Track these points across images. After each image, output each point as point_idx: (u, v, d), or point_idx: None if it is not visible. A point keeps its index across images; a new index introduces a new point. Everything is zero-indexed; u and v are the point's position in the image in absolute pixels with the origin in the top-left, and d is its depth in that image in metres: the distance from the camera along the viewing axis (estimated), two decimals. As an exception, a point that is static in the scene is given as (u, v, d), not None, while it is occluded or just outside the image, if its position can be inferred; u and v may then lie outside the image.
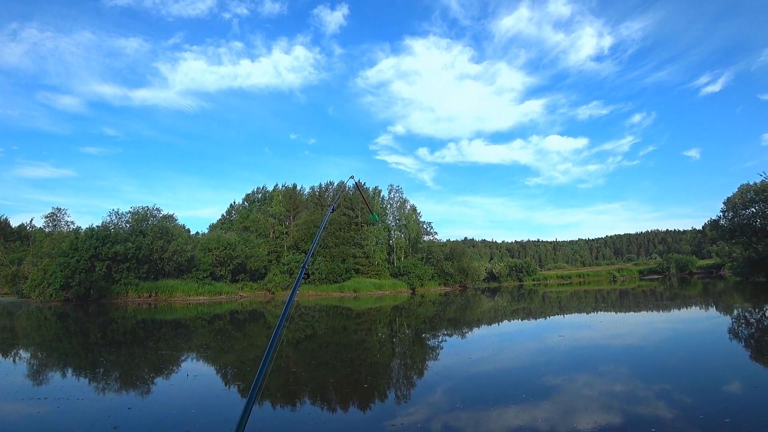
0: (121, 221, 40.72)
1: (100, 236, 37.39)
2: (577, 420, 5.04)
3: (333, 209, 3.60)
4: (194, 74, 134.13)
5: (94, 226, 39.59)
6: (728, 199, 45.08)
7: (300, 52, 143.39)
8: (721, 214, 46.28)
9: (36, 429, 5.35)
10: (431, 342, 12.72)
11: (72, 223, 48.70)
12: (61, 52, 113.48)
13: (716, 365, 8.00)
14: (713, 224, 47.81)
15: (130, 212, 41.23)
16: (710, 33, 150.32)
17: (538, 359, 9.17)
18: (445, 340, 12.82)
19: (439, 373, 8.16)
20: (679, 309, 20.32)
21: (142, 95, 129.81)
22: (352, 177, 4.24)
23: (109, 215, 40.95)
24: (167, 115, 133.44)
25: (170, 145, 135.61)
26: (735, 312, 17.19)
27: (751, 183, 42.92)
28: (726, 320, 15.16)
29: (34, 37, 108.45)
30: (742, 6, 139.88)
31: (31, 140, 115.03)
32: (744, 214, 43.43)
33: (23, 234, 55.76)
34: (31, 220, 64.92)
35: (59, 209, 48.81)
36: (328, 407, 6.22)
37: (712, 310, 19.09)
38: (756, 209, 42.32)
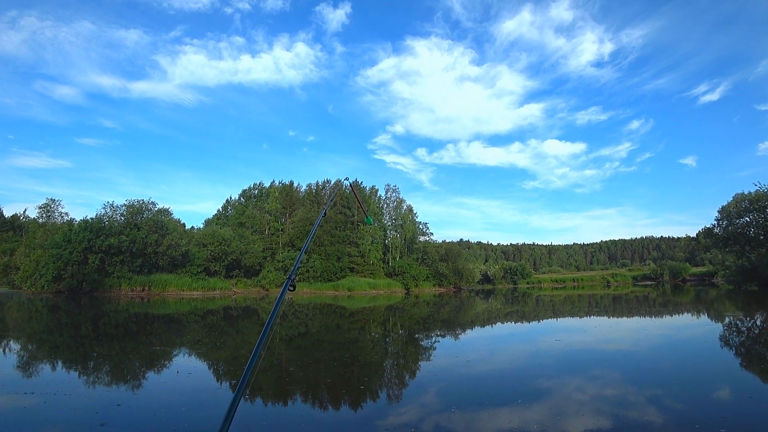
0: (116, 214, 40.48)
1: (94, 228, 37.12)
2: (569, 424, 5.02)
3: (324, 213, 3.54)
4: (194, 68, 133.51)
5: (88, 218, 39.40)
6: (723, 207, 45.40)
7: (301, 48, 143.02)
8: (716, 222, 46.65)
9: (20, 425, 5.23)
10: (425, 342, 12.69)
11: (66, 214, 48.46)
12: (60, 41, 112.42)
13: (709, 373, 8.02)
14: (707, 232, 48.16)
15: (125, 205, 41.04)
16: (709, 42, 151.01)
17: (531, 362, 9.16)
18: (439, 341, 12.80)
19: (432, 374, 8.11)
20: (672, 315, 20.41)
21: (141, 88, 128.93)
22: (347, 179, 4.19)
23: (104, 207, 40.76)
24: (166, 109, 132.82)
25: (168, 138, 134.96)
26: (727, 320, 17.28)
27: (746, 192, 43.25)
28: (718, 328, 15.23)
29: (33, 26, 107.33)
30: (740, 17, 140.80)
31: (28, 130, 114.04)
32: (738, 222, 43.74)
33: (16, 224, 55.25)
34: (25, 210, 64.43)
35: (53, 200, 48.54)
36: (320, 406, 6.16)
37: (705, 318, 19.18)
38: (750, 218, 42.63)
